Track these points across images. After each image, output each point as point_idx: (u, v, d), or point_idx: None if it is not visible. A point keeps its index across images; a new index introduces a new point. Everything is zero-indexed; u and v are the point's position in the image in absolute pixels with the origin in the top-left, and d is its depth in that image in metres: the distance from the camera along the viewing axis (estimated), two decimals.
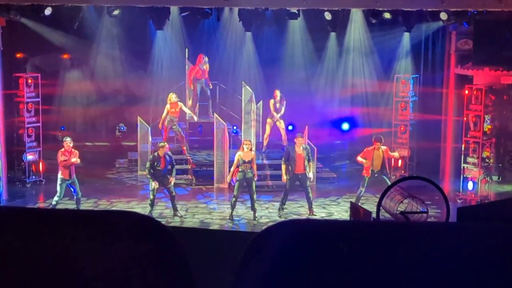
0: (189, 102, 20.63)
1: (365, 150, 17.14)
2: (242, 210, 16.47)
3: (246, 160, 16.20)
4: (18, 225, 1.84)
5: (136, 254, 1.79)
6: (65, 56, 22.19)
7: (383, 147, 17.11)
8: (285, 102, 19.90)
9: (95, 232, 1.80)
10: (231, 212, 16.22)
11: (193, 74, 20.52)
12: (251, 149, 16.48)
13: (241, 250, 1.95)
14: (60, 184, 16.09)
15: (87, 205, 17.31)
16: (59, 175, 16.12)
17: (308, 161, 16.60)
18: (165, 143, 16.86)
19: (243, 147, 16.45)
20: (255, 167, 16.49)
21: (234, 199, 16.25)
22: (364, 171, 16.96)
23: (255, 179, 16.39)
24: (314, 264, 1.75)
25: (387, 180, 16.34)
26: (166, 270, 1.83)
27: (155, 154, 16.37)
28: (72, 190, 16.29)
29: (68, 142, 16.31)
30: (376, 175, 16.81)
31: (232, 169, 16.53)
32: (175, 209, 16.45)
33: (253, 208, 16.26)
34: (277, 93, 19.86)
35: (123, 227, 1.83)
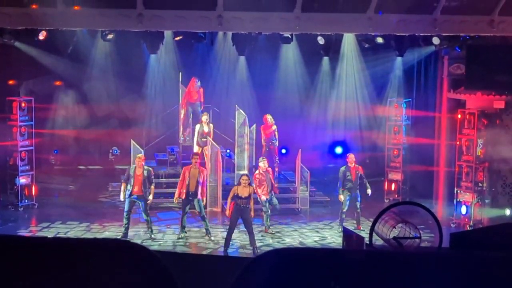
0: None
1: None
2: (235, 234, 16.34)
3: (243, 196, 15.49)
4: (5, 254, 1.83)
5: (124, 283, 1.78)
6: (58, 83, 22.21)
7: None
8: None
9: (83, 260, 1.79)
10: (225, 249, 15.49)
11: (187, 97, 20.56)
12: (249, 184, 15.77)
13: (233, 276, 1.93)
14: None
15: (79, 229, 17.23)
16: None
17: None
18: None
19: (240, 182, 15.76)
20: (252, 203, 15.66)
21: (228, 234, 15.64)
22: None
23: (252, 215, 15.71)
24: None
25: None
26: None
27: None
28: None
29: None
30: None
31: (228, 202, 15.88)
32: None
33: (252, 243, 15.60)
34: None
35: (112, 256, 1.82)
